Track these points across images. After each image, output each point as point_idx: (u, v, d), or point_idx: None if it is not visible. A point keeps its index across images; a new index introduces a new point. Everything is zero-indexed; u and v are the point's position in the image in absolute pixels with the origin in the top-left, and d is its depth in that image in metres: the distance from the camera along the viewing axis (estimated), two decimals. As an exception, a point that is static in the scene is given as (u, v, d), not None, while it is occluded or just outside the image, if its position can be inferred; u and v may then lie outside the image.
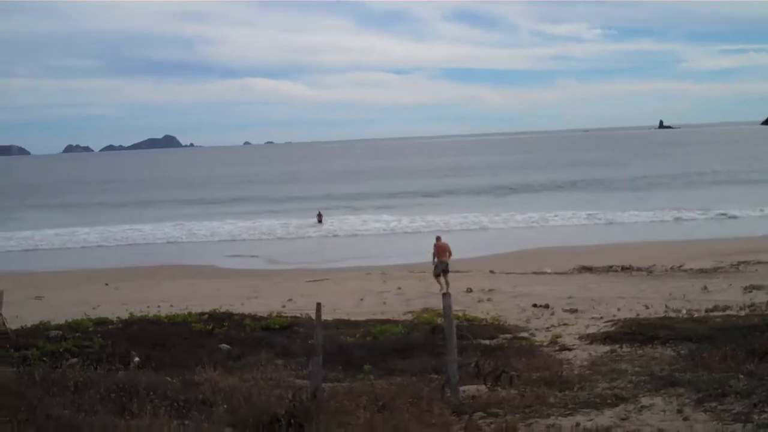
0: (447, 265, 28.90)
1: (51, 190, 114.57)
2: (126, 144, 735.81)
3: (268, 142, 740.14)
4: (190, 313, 21.15)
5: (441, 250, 29.17)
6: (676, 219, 53.06)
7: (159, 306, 24.61)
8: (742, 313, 20.26)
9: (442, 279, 28.55)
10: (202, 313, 21.19)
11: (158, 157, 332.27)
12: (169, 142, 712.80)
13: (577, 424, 10.13)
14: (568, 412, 10.80)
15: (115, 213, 72.08)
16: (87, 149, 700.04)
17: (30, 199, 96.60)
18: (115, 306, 24.58)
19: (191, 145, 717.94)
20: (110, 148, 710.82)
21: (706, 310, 21.08)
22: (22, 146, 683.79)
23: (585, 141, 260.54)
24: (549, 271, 32.27)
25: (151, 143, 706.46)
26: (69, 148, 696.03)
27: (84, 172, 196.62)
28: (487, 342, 17.71)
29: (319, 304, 11.50)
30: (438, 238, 30.48)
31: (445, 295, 11.72)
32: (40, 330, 18.80)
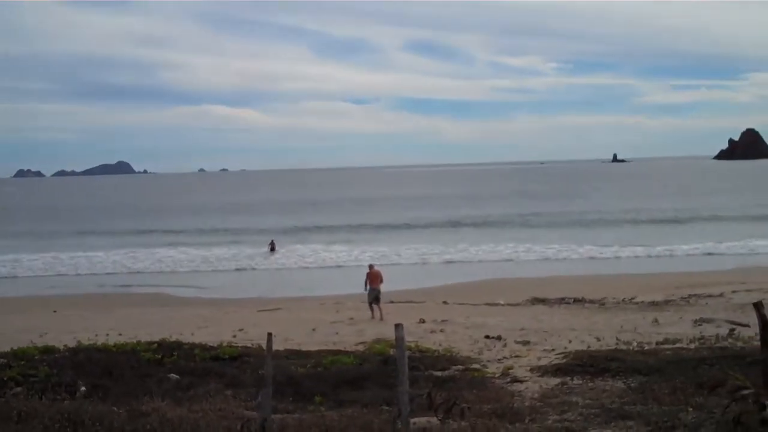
0: (379, 292, 29.73)
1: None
2: (78, 169, 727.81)
3: (223, 170, 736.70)
4: (139, 342, 20.78)
5: (373, 278, 30.08)
6: (626, 256, 53.42)
7: (107, 334, 24.22)
8: (692, 346, 20.41)
9: (374, 306, 29.28)
10: (152, 342, 20.83)
11: (110, 183, 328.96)
12: (123, 168, 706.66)
13: (528, 457, 10.13)
14: (518, 445, 10.79)
15: (65, 240, 71.12)
16: (38, 174, 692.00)
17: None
18: (63, 334, 24.20)
19: (145, 171, 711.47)
20: (62, 173, 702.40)
21: (657, 343, 21.21)
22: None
23: (541, 173, 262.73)
24: (502, 302, 32.39)
25: (103, 169, 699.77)
26: (20, 173, 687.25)
27: (34, 197, 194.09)
28: (439, 373, 17.63)
29: (270, 334, 11.38)
30: (371, 266, 31.52)
31: (398, 326, 11.62)
32: (-16, 358, 18.36)
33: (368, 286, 30.04)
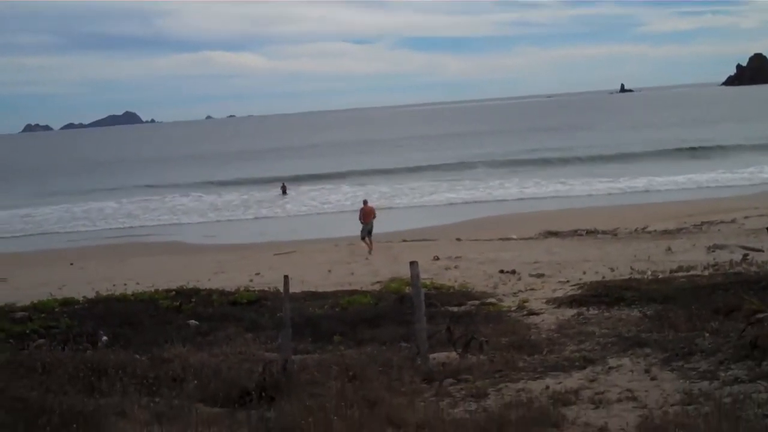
0: (371, 226, 31.69)
1: (9, 171, 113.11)
2: (86, 121, 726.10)
3: (230, 116, 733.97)
4: (156, 291, 20.96)
5: (367, 213, 31.99)
6: (637, 187, 53.18)
7: (125, 284, 24.35)
8: (706, 272, 20.44)
9: (367, 240, 31.24)
10: (169, 290, 21.01)
11: (119, 134, 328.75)
12: (130, 118, 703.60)
13: (547, 387, 10.24)
14: (537, 376, 10.91)
15: (76, 194, 71.12)
16: (47, 128, 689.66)
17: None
18: (81, 285, 24.33)
19: (152, 120, 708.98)
20: (71, 126, 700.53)
21: (671, 271, 21.24)
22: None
23: (549, 107, 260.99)
24: (515, 237, 32.43)
25: (112, 120, 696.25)
26: (28, 128, 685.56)
27: (43, 151, 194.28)
28: (455, 309, 17.75)
29: (286, 277, 11.49)
30: (365, 202, 33.46)
31: (413, 264, 11.74)
32: (5, 312, 18.52)
33: (362, 221, 31.84)
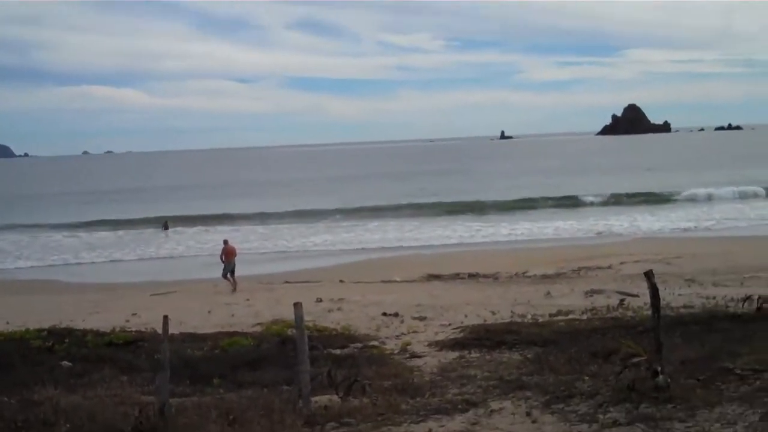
0: (234, 265, 33.23)
1: None
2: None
3: (108, 152, 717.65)
4: (27, 330, 20.14)
5: (228, 253, 33.61)
6: (515, 232, 54.13)
7: (-6, 323, 23.37)
8: (584, 317, 20.90)
9: (230, 278, 32.71)
10: (41, 330, 20.20)
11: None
12: (3, 152, 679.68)
13: (429, 431, 10.19)
14: (420, 419, 10.85)
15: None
16: None
17: None
18: (-54, 325, 23.19)
19: (26, 154, 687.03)
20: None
21: (550, 315, 21.66)
22: None
23: (429, 151, 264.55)
24: (398, 279, 32.60)
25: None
26: None
27: None
28: (338, 352, 17.63)
29: (165, 317, 11.16)
30: (225, 242, 35.15)
31: (297, 305, 11.58)
32: None
33: (224, 260, 33.36)
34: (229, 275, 32.86)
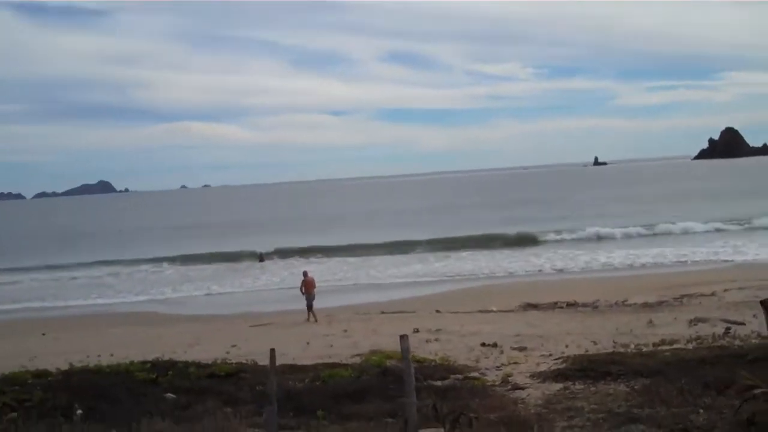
0: (313, 297, 33.25)
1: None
2: (59, 190, 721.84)
3: (205, 186, 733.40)
4: (132, 362, 20.41)
5: (308, 285, 33.67)
6: (614, 260, 53.15)
7: (99, 355, 23.89)
8: (690, 346, 20.28)
9: (311, 310, 32.62)
10: (145, 362, 20.47)
11: (91, 203, 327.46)
12: (104, 187, 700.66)
13: (541, 465, 9.94)
14: (530, 454, 10.60)
15: (49, 262, 70.13)
16: (19, 196, 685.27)
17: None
18: (54, 357, 23.78)
19: (126, 190, 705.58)
20: (43, 194, 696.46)
21: (654, 345, 21.06)
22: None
23: (522, 179, 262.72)
24: (495, 309, 32.23)
25: (85, 189, 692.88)
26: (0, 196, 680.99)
27: (14, 221, 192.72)
28: (438, 383, 17.40)
29: (272, 351, 11.16)
30: (305, 273, 34.91)
31: (403, 337, 11.48)
32: (-25, 385, 17.98)
33: (303, 292, 33.51)
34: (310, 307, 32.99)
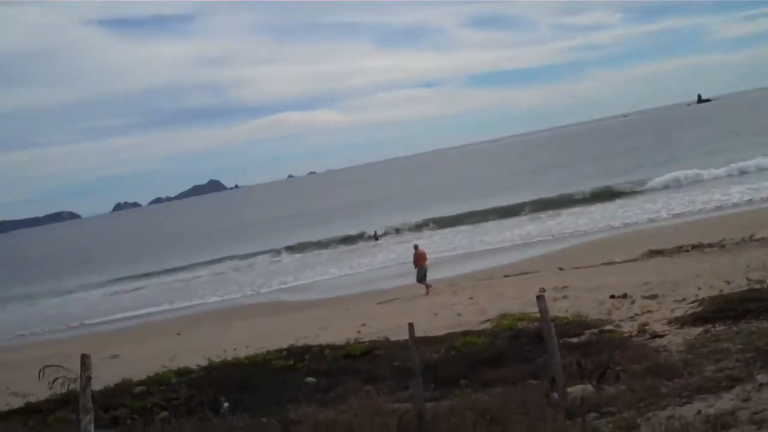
0: (426, 269, 33.46)
1: (100, 252, 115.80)
2: (172, 194, 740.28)
3: (311, 173, 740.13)
4: (268, 351, 20.84)
5: (419, 258, 33.78)
6: (732, 196, 51.36)
7: (234, 348, 24.35)
8: (830, 277, 19.55)
9: (424, 282, 32.74)
10: (281, 350, 20.86)
11: (205, 203, 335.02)
12: (215, 186, 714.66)
13: (699, 412, 9.68)
14: (684, 401, 10.36)
15: (168, 266, 72.09)
16: (135, 204, 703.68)
17: (78, 265, 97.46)
18: (191, 354, 24.35)
19: (236, 186, 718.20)
20: (158, 200, 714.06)
21: (791, 277, 20.39)
22: (72, 210, 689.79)
23: (623, 127, 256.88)
24: (618, 260, 31.66)
25: (196, 190, 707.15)
26: (118, 206, 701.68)
27: (131, 229, 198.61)
28: (575, 340, 17.22)
29: (411, 324, 11.17)
30: (416, 247, 35.15)
31: (540, 298, 11.39)
32: (124, 388, 18.61)
33: (416, 266, 33.51)
34: (423, 280, 33.06)
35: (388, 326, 23.75)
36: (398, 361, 17.02)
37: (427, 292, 32.03)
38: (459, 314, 25.25)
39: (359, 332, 24.13)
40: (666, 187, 63.79)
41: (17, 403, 19.51)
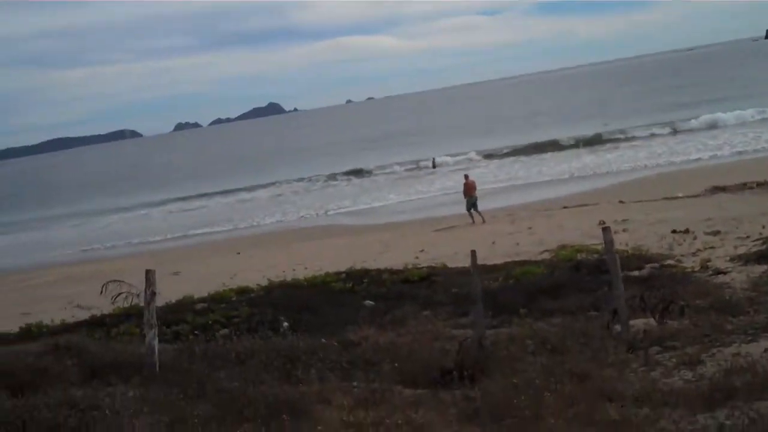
0: (476, 199, 33.11)
1: (162, 170, 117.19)
2: (233, 116, 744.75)
3: (369, 98, 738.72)
4: (327, 274, 20.97)
5: (469, 188, 33.44)
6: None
7: (294, 269, 24.62)
8: None
9: (474, 212, 32.49)
10: (339, 272, 20.99)
11: (264, 125, 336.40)
12: (274, 109, 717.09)
13: (766, 350, 9.53)
14: (750, 338, 10.22)
15: (229, 186, 72.69)
16: (196, 125, 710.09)
17: (139, 183, 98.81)
18: (251, 273, 24.69)
19: (295, 109, 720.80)
20: (218, 121, 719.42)
21: None
22: (135, 129, 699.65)
23: (686, 61, 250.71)
24: (681, 195, 31.21)
25: (256, 112, 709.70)
26: (179, 126, 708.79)
27: (193, 149, 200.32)
28: (635, 273, 17.02)
29: (473, 252, 11.16)
30: (466, 176, 34.90)
31: (606, 229, 11.25)
32: (185, 305, 18.90)
33: (466, 196, 33.25)
34: (472, 210, 32.75)
35: (445, 253, 23.76)
36: (456, 287, 17.07)
37: (474, 222, 32.04)
38: (517, 243, 25.16)
39: (417, 258, 24.23)
40: (726, 124, 62.22)
41: (82, 315, 19.92)
